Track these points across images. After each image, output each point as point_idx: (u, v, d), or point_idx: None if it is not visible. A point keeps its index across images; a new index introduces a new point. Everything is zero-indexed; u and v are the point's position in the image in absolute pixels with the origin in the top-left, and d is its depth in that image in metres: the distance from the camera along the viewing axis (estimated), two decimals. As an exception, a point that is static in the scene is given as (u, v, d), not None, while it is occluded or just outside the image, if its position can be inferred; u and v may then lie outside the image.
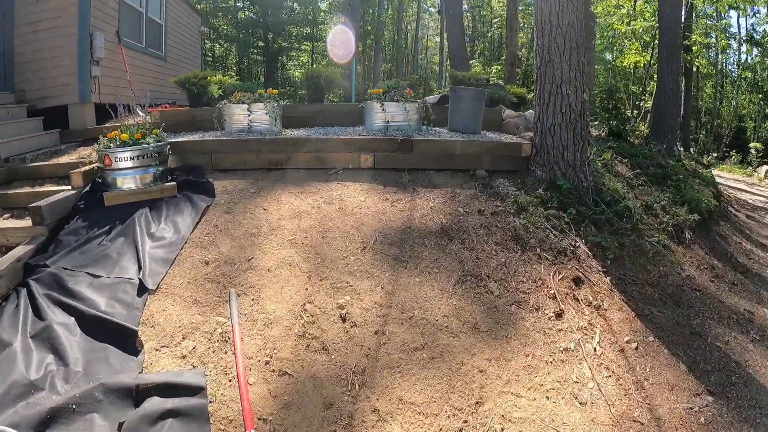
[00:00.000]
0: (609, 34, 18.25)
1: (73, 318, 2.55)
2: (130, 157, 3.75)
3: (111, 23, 6.43)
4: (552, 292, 3.11)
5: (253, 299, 2.86)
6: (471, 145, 4.55)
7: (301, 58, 24.40)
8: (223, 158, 4.53)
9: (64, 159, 4.77)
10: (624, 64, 17.40)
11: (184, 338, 2.58)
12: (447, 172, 4.55)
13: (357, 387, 2.39)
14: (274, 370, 2.44)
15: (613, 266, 3.57)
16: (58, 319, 2.54)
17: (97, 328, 2.53)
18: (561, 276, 3.28)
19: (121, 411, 2.11)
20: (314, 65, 23.01)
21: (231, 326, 2.63)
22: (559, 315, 2.97)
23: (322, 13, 22.65)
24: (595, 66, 16.34)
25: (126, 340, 2.50)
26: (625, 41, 17.45)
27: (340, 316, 2.75)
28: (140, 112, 5.94)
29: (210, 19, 19.98)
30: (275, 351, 2.54)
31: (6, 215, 3.84)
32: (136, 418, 2.07)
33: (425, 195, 4.12)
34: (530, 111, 5.65)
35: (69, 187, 3.77)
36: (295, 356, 2.52)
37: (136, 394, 2.18)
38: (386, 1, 23.21)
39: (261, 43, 20.64)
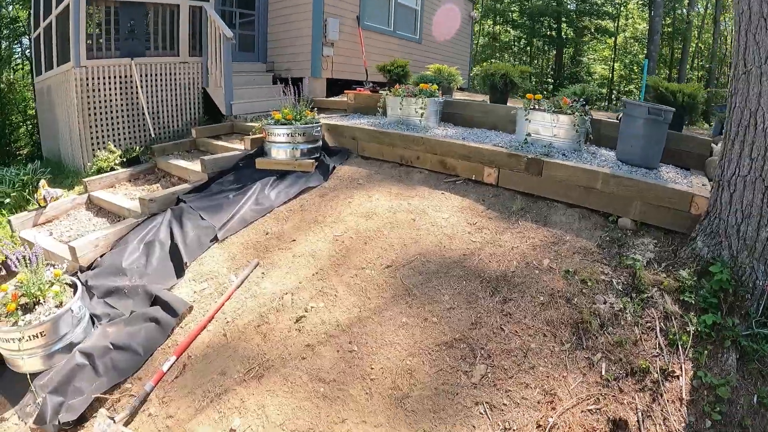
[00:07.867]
0: None
1: (170, 241, 3.73)
2: (281, 134, 4.72)
3: (350, 9, 7.57)
4: (553, 421, 2.21)
5: (262, 273, 3.34)
6: (617, 182, 3.53)
7: (605, 53, 21.77)
8: (366, 146, 5.00)
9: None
10: None
11: (205, 279, 3.36)
12: (579, 210, 3.70)
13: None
14: (224, 331, 2.90)
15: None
16: (171, 238, 3.77)
17: (174, 251, 3.63)
18: (593, 406, 2.26)
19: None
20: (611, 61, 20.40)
21: (232, 286, 3.23)
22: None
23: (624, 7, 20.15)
24: None
25: (182, 264, 3.50)
26: None
27: (295, 320, 2.88)
28: (365, 89, 7.03)
29: (498, 5, 20.53)
30: (236, 317, 2.98)
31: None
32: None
33: (521, 233, 3.48)
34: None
35: (243, 147, 5.11)
36: (237, 327, 2.88)
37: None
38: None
39: (549, 33, 19.81)
